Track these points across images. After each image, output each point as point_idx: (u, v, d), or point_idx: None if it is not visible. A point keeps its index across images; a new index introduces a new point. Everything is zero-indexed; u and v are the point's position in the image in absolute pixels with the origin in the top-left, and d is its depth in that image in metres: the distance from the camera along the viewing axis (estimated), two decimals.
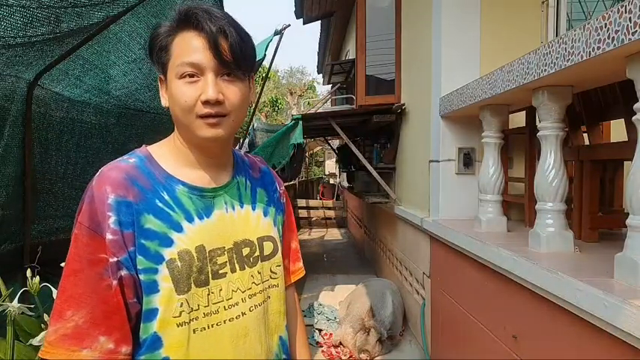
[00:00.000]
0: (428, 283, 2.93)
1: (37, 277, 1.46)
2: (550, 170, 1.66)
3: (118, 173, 0.73)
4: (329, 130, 4.66)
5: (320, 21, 7.68)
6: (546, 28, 2.77)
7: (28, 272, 1.46)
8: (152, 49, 0.77)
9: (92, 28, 1.86)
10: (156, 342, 0.71)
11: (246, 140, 6.26)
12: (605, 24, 1.17)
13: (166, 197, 0.75)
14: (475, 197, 2.48)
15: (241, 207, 0.85)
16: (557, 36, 2.67)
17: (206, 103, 0.72)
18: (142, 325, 0.71)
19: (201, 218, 0.77)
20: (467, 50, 2.62)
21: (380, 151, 4.54)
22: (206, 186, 0.80)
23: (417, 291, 3.28)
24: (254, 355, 0.81)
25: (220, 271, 0.77)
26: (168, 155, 0.80)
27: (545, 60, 1.47)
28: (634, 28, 1.06)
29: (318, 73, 12.29)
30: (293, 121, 3.50)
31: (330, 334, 3.48)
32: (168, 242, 0.72)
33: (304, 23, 7.35)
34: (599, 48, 1.20)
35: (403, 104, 3.68)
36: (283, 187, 1.00)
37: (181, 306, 0.72)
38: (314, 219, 10.39)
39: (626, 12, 1.09)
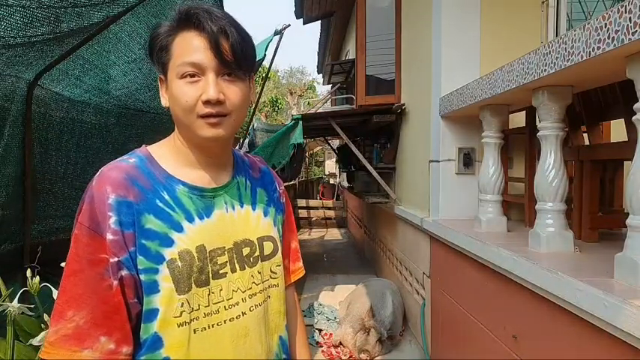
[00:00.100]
0: (428, 283, 2.93)
1: (37, 277, 1.45)
2: (550, 170, 1.66)
3: (119, 173, 0.72)
4: (329, 130, 4.66)
5: (320, 21, 7.68)
6: (546, 28, 2.77)
7: (28, 272, 1.46)
8: (152, 49, 0.77)
9: (92, 28, 1.86)
10: (156, 342, 0.71)
11: (246, 140, 6.26)
12: (605, 24, 1.17)
13: (167, 197, 0.75)
14: (475, 197, 2.48)
15: (241, 207, 0.85)
16: (557, 36, 2.67)
17: (207, 102, 0.72)
18: (142, 325, 0.71)
19: (201, 218, 0.77)
20: (467, 50, 2.62)
21: (380, 151, 4.54)
22: (206, 186, 0.80)
23: (417, 291, 3.28)
24: (254, 355, 0.81)
25: (221, 271, 0.77)
26: (168, 155, 0.80)
27: (545, 60, 1.47)
28: (634, 28, 1.06)
29: (318, 73, 12.29)
30: (293, 121, 3.50)
31: (330, 334, 3.48)
32: (169, 242, 0.72)
33: (304, 23, 7.35)
34: (599, 48, 1.20)
35: (403, 104, 3.68)
36: (283, 187, 1.00)
37: (182, 306, 0.72)
38: (314, 219, 10.39)
39: (626, 12, 1.09)
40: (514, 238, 1.98)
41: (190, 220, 0.76)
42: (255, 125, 7.39)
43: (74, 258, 0.69)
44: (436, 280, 2.77)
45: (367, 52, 4.17)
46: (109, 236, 0.68)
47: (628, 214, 1.23)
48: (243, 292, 0.80)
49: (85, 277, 0.68)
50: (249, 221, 0.85)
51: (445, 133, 2.69)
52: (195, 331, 0.73)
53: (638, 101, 1.20)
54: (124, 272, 0.69)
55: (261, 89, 5.45)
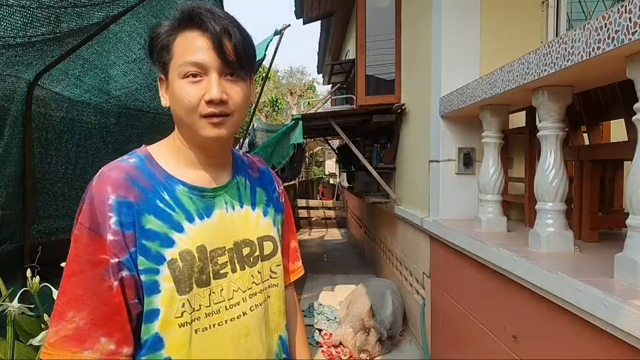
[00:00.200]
0: (428, 283, 2.93)
1: (37, 277, 1.45)
2: (550, 170, 1.66)
3: (119, 173, 0.72)
4: (329, 130, 4.66)
5: (320, 21, 7.68)
6: (546, 28, 2.77)
7: (28, 272, 1.46)
8: (153, 48, 0.77)
9: (92, 28, 1.86)
10: (157, 343, 0.71)
11: (246, 140, 6.26)
12: (605, 24, 1.17)
13: (167, 197, 0.75)
14: (475, 197, 2.48)
15: (241, 207, 0.85)
16: (557, 36, 2.67)
17: (210, 102, 0.72)
18: (143, 325, 0.71)
19: (201, 218, 0.77)
20: (467, 50, 2.62)
21: (380, 151, 4.54)
22: (206, 186, 0.80)
23: (417, 291, 3.28)
24: (255, 354, 0.81)
25: (221, 271, 0.77)
26: (167, 155, 0.80)
27: (545, 60, 1.47)
28: (634, 28, 1.06)
29: (318, 73, 12.29)
30: (293, 121, 3.50)
31: (330, 334, 3.48)
32: (170, 242, 0.72)
33: (304, 23, 7.35)
34: (599, 48, 1.20)
35: (403, 104, 3.68)
36: (282, 187, 1.00)
37: (183, 306, 0.72)
38: (314, 219, 10.39)
39: (626, 12, 1.09)
40: (514, 238, 1.98)
41: (190, 220, 0.76)
42: (255, 125, 7.39)
43: (74, 259, 0.69)
44: (436, 280, 2.77)
45: (367, 52, 4.17)
46: (110, 237, 0.68)
47: (628, 214, 1.23)
48: (244, 292, 0.81)
49: (85, 278, 0.68)
50: (249, 221, 0.85)
51: (445, 133, 2.69)
52: (196, 332, 0.73)
53: (638, 101, 1.20)
54: (125, 273, 0.69)
55: (261, 89, 5.45)
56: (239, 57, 0.73)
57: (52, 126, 2.35)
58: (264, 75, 7.35)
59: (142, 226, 0.71)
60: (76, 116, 2.48)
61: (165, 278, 0.71)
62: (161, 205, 0.74)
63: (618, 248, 1.28)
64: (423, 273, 3.04)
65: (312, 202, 10.87)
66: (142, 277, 0.70)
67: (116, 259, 0.68)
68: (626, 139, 1.85)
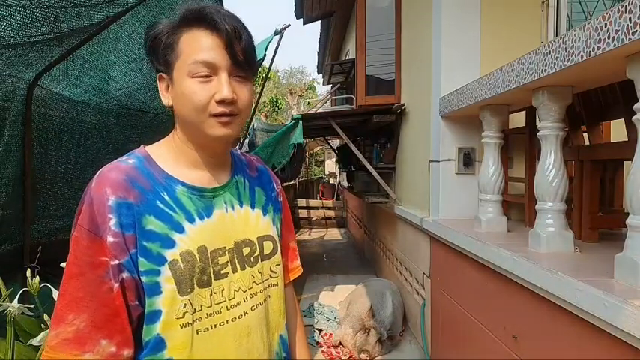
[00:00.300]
0: (428, 283, 2.93)
1: (37, 277, 1.45)
2: (550, 170, 1.66)
3: (118, 174, 0.72)
4: (329, 130, 4.66)
5: (320, 21, 7.68)
6: (546, 28, 2.77)
7: (28, 272, 1.46)
8: (155, 46, 0.76)
9: (92, 28, 1.86)
10: (159, 343, 0.71)
11: (246, 140, 6.26)
12: (605, 24, 1.17)
13: (167, 198, 0.74)
14: (475, 197, 2.48)
15: (240, 207, 0.85)
16: (557, 36, 2.67)
17: (221, 102, 0.73)
18: (144, 326, 0.71)
19: (201, 218, 0.77)
20: (467, 50, 2.62)
21: (380, 151, 4.54)
22: (205, 186, 0.80)
23: (417, 291, 3.28)
24: (256, 354, 0.81)
25: (222, 271, 0.77)
26: (167, 155, 0.79)
27: (545, 60, 1.47)
28: (634, 28, 1.06)
29: (318, 73, 12.29)
30: (293, 121, 3.50)
31: (330, 334, 3.48)
32: (170, 243, 0.72)
33: (304, 23, 7.35)
34: (599, 48, 1.20)
35: (403, 104, 3.68)
36: (280, 186, 1.00)
37: (184, 307, 0.72)
38: (314, 219, 10.39)
39: (626, 12, 1.09)
40: (514, 238, 1.98)
41: (191, 220, 0.75)
42: (255, 125, 7.38)
43: (74, 261, 0.69)
44: (436, 280, 2.77)
45: (367, 52, 4.17)
46: (110, 238, 0.68)
47: (628, 214, 1.23)
48: (245, 292, 0.81)
49: (85, 280, 0.68)
50: (249, 221, 0.85)
51: (445, 133, 2.69)
52: (197, 332, 0.73)
53: (638, 101, 1.20)
54: (125, 275, 0.69)
55: (261, 89, 5.44)
56: (247, 58, 0.75)
57: (52, 126, 2.35)
58: (264, 75, 7.35)
59: (142, 227, 0.70)
60: (76, 116, 2.48)
61: (166, 279, 0.71)
62: (161, 205, 0.73)
63: (618, 248, 1.28)
64: (423, 273, 3.04)
65: (312, 202, 10.86)
66: (143, 279, 0.70)
67: (116, 261, 0.68)
68: (626, 139, 1.85)
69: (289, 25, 3.40)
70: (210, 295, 0.75)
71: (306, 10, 6.71)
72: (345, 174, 7.74)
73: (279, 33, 3.39)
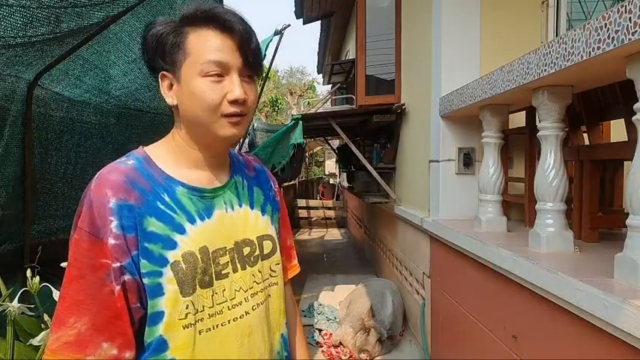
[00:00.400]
0: (428, 283, 2.93)
1: (37, 277, 1.45)
2: (550, 170, 1.66)
3: (118, 176, 0.71)
4: (329, 130, 4.66)
5: (320, 21, 7.69)
6: (546, 28, 2.77)
7: (28, 272, 1.46)
8: (160, 44, 0.75)
9: (92, 28, 1.86)
10: (162, 345, 0.71)
11: (246, 140, 6.25)
12: (605, 24, 1.17)
13: (167, 199, 0.74)
14: (475, 197, 2.48)
15: (240, 206, 0.85)
16: (557, 36, 2.67)
17: (234, 102, 0.73)
18: (147, 328, 0.71)
19: (202, 219, 0.77)
20: (467, 50, 2.62)
21: (380, 151, 4.54)
22: (205, 186, 0.80)
23: (417, 291, 3.28)
24: (257, 353, 0.81)
25: (223, 272, 0.77)
26: (166, 156, 0.79)
27: (545, 60, 1.47)
28: (634, 28, 1.06)
29: (318, 73, 12.29)
30: (293, 121, 3.50)
31: (330, 334, 3.48)
32: (172, 245, 0.72)
33: (304, 23, 7.35)
34: (599, 48, 1.20)
35: (403, 104, 3.68)
36: (277, 186, 1.00)
37: (187, 308, 0.72)
38: (314, 219, 10.39)
39: (626, 12, 1.09)
40: (514, 238, 1.98)
41: (192, 221, 0.75)
42: (255, 125, 7.38)
43: (74, 264, 0.68)
44: (436, 280, 2.77)
45: (367, 52, 4.17)
46: (111, 241, 0.67)
47: (628, 214, 1.23)
48: (245, 292, 0.81)
49: (86, 283, 0.67)
50: (249, 220, 0.86)
51: (445, 133, 2.69)
52: (200, 333, 0.73)
53: (638, 101, 1.20)
54: (127, 277, 0.68)
55: (261, 89, 5.44)
56: (257, 59, 0.76)
57: (52, 126, 2.35)
58: (264, 75, 7.36)
59: (143, 229, 0.70)
60: (76, 116, 2.48)
61: (168, 280, 0.70)
62: (162, 207, 0.73)
63: (618, 248, 1.28)
64: (423, 273, 3.04)
65: (312, 202, 10.86)
66: (145, 280, 0.69)
67: (118, 263, 0.67)
68: (626, 139, 1.85)
69: (289, 25, 3.40)
70: (212, 295, 0.75)
71: (306, 10, 6.71)
72: (345, 174, 7.74)
73: (279, 33, 3.39)
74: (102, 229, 0.67)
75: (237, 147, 4.94)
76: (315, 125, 4.43)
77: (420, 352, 3.13)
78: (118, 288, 0.67)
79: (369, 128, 4.53)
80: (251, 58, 0.75)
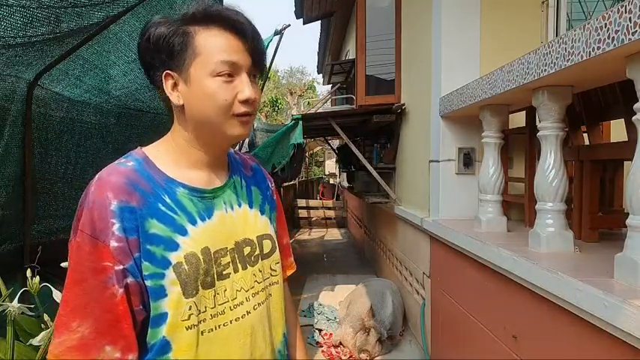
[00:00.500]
0: (428, 283, 2.93)
1: (37, 277, 1.45)
2: (550, 170, 1.66)
3: (119, 178, 0.71)
4: (329, 130, 4.66)
5: (320, 21, 7.68)
6: (546, 28, 2.77)
7: (28, 272, 1.46)
8: (167, 43, 0.74)
9: (92, 28, 1.86)
10: (165, 346, 0.71)
11: (246, 140, 6.25)
12: (605, 24, 1.17)
13: (168, 200, 0.74)
14: (475, 197, 2.48)
15: (239, 206, 0.85)
16: (557, 36, 2.67)
17: (245, 102, 0.74)
18: (149, 330, 0.70)
19: (203, 220, 0.77)
20: (467, 50, 2.62)
21: (380, 151, 4.54)
22: (205, 187, 0.80)
23: (417, 291, 3.28)
24: (259, 353, 0.81)
25: (224, 272, 0.78)
26: (165, 156, 0.79)
27: (545, 60, 1.47)
28: (634, 28, 1.06)
29: (318, 73, 12.29)
30: (293, 121, 3.50)
31: (330, 334, 3.48)
32: (174, 246, 0.72)
33: (304, 23, 7.35)
34: (599, 48, 1.20)
35: (403, 104, 3.68)
36: (274, 184, 1.00)
37: (190, 309, 0.71)
38: (314, 219, 10.39)
39: (626, 12, 1.09)
40: (514, 238, 1.98)
41: (193, 222, 0.75)
42: (255, 125, 7.37)
43: (75, 267, 0.68)
44: (436, 280, 2.77)
45: (367, 52, 4.17)
46: (113, 243, 0.67)
47: (628, 214, 1.23)
48: (247, 292, 0.81)
49: (88, 286, 0.67)
50: (248, 220, 0.86)
51: (445, 133, 2.69)
52: (202, 333, 0.73)
53: (638, 101, 1.20)
54: (130, 279, 0.68)
55: (262, 89, 5.45)
56: (264, 59, 0.78)
57: (52, 126, 2.35)
58: (264, 75, 7.35)
59: (145, 231, 0.70)
60: (76, 116, 2.48)
61: (171, 282, 0.70)
62: (163, 208, 0.73)
63: (618, 248, 1.28)
64: (423, 273, 3.04)
65: (312, 202, 10.86)
66: (148, 283, 0.69)
67: (120, 266, 0.67)
68: (626, 139, 1.85)
69: (289, 25, 3.41)
70: (214, 296, 0.75)
71: (306, 10, 6.71)
72: (345, 174, 7.74)
73: (279, 33, 3.39)
74: (103, 231, 0.67)
75: (237, 147, 4.94)
76: (315, 125, 4.43)
77: (420, 352, 3.13)
78: (120, 291, 0.67)
79: (369, 128, 4.53)
80: (258, 59, 0.77)
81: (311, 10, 6.74)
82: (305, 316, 3.86)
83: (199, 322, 0.73)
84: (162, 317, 0.70)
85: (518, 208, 2.59)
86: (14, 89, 2.04)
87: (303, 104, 14.14)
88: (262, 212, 0.90)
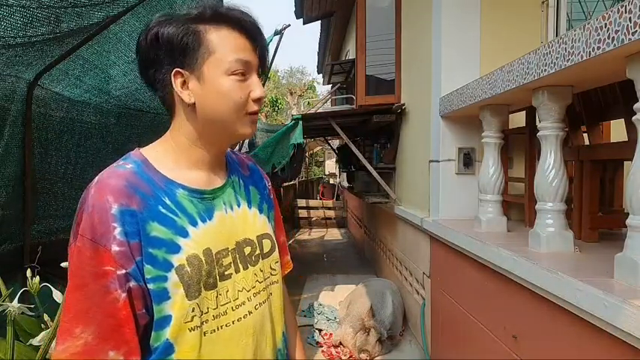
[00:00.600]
0: (428, 283, 2.93)
1: (37, 277, 1.45)
2: (550, 170, 1.66)
3: (119, 181, 0.70)
4: (329, 130, 4.66)
5: (320, 21, 7.69)
6: (546, 28, 2.77)
7: (28, 272, 1.46)
8: (179, 42, 0.73)
9: (92, 28, 1.86)
10: (168, 348, 0.70)
11: (246, 140, 6.26)
12: (605, 24, 1.17)
13: (168, 202, 0.73)
14: (475, 197, 2.48)
15: (238, 206, 0.85)
16: (557, 36, 2.67)
17: (257, 100, 0.76)
18: (153, 333, 0.70)
19: (204, 221, 0.76)
20: (467, 50, 2.62)
21: (380, 151, 4.54)
22: (205, 188, 0.79)
23: (417, 291, 3.28)
24: (261, 352, 0.81)
25: (226, 273, 0.77)
26: (164, 157, 0.78)
27: (545, 60, 1.47)
28: (634, 28, 1.06)
29: (318, 73, 12.29)
30: (293, 121, 3.50)
31: (330, 334, 3.48)
32: (176, 248, 0.71)
33: (304, 23, 7.35)
34: (599, 48, 1.20)
35: (403, 104, 3.68)
36: (270, 183, 1.00)
37: (193, 311, 0.71)
38: (314, 219, 10.39)
39: (626, 12, 1.09)
40: (514, 238, 1.98)
41: (194, 224, 0.75)
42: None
43: (76, 272, 0.67)
44: (436, 280, 2.77)
45: (367, 52, 4.17)
46: (115, 247, 0.66)
47: (628, 214, 1.23)
48: (248, 292, 0.81)
49: (89, 292, 0.66)
50: (248, 220, 0.86)
51: (445, 133, 2.69)
52: (205, 334, 0.73)
53: (638, 101, 1.20)
54: (132, 284, 0.67)
55: None
56: (267, 59, 0.81)
57: (52, 126, 2.35)
58: (265, 74, 7.35)
59: (146, 234, 0.69)
60: (76, 116, 2.48)
61: (174, 284, 0.70)
62: (164, 210, 0.72)
63: (618, 248, 1.28)
64: (423, 273, 3.04)
65: (312, 202, 10.86)
66: (150, 286, 0.68)
67: (123, 271, 0.66)
68: (626, 139, 1.85)
69: (289, 25, 3.41)
70: (216, 297, 0.75)
71: (306, 10, 6.71)
72: (345, 174, 7.74)
73: (279, 33, 3.39)
74: (104, 236, 0.66)
75: (236, 147, 4.94)
76: (315, 125, 4.43)
77: (420, 352, 3.13)
78: (123, 295, 0.66)
79: (369, 128, 4.53)
80: (264, 58, 0.79)
81: (311, 10, 6.74)
82: (305, 316, 3.86)
83: (202, 323, 0.73)
84: (165, 320, 0.70)
85: (518, 208, 2.59)
86: (14, 89, 2.04)
87: (303, 104, 14.15)
88: (261, 211, 0.90)
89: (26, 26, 1.58)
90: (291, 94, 21.79)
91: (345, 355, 3.16)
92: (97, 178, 0.71)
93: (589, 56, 1.24)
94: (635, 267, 1.17)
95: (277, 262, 0.91)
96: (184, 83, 0.75)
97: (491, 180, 2.17)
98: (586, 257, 1.59)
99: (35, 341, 1.27)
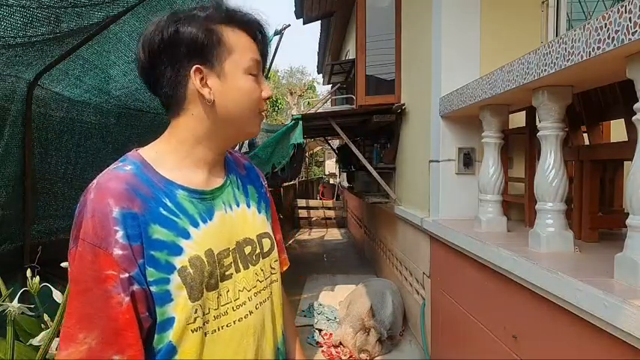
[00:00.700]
0: (428, 283, 2.93)
1: (37, 277, 1.45)
2: (550, 170, 1.66)
3: (119, 184, 0.69)
4: (329, 130, 4.66)
5: (320, 21, 7.69)
6: (546, 28, 2.77)
7: (28, 272, 1.46)
8: (201, 40, 0.73)
9: (92, 28, 1.86)
10: (171, 350, 0.70)
11: (246, 140, 6.26)
12: (605, 24, 1.17)
13: (169, 204, 0.73)
14: (475, 197, 2.48)
15: (238, 206, 0.85)
16: (557, 36, 2.67)
17: (266, 100, 0.80)
18: (156, 335, 0.70)
19: (204, 222, 0.76)
20: (467, 50, 2.62)
21: (380, 151, 4.54)
22: (204, 188, 0.79)
23: (417, 291, 3.28)
24: (261, 351, 0.82)
25: (227, 273, 0.77)
26: (164, 157, 0.77)
27: (545, 60, 1.47)
28: (634, 28, 1.06)
29: (318, 73, 12.29)
30: (293, 121, 3.50)
31: (330, 334, 3.48)
32: (178, 250, 0.71)
33: (304, 23, 7.35)
34: (599, 48, 1.20)
35: (403, 104, 3.68)
36: (266, 182, 1.01)
37: (196, 312, 0.71)
38: (314, 219, 10.39)
39: (626, 12, 1.09)
40: (514, 238, 1.98)
41: (195, 225, 0.74)
42: None
43: (78, 277, 0.66)
44: (436, 280, 2.77)
45: (367, 52, 4.17)
46: (117, 251, 0.66)
47: (628, 214, 1.23)
48: (249, 291, 0.81)
49: (92, 296, 0.65)
50: (247, 219, 0.86)
51: (445, 133, 2.69)
52: (206, 334, 0.73)
53: (638, 101, 1.20)
54: (135, 287, 0.67)
55: None
56: (267, 61, 0.84)
57: (52, 126, 2.35)
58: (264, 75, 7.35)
59: (148, 237, 0.68)
60: (76, 116, 2.48)
61: (177, 286, 0.69)
62: (165, 212, 0.72)
63: (618, 248, 1.28)
64: (423, 273, 3.04)
65: (312, 202, 10.86)
66: (153, 288, 0.68)
67: (126, 274, 0.66)
68: (626, 139, 1.85)
69: (289, 25, 3.41)
70: (217, 297, 0.75)
71: (306, 10, 6.71)
72: (345, 174, 7.74)
73: (279, 33, 3.39)
74: (106, 239, 0.66)
75: (236, 146, 4.94)
76: (315, 125, 4.43)
77: (420, 352, 3.13)
78: (127, 299, 0.66)
79: (369, 128, 4.53)
80: (265, 60, 0.82)
81: (311, 10, 6.74)
82: (305, 316, 3.86)
83: (204, 323, 0.73)
84: (168, 322, 0.69)
85: (518, 208, 2.59)
86: (14, 89, 2.04)
87: (303, 104, 14.15)
88: (259, 211, 0.90)
89: (26, 26, 1.58)
90: (291, 94, 21.80)
91: (345, 355, 3.16)
92: (95, 181, 0.70)
93: (589, 56, 1.24)
94: (635, 267, 1.17)
95: (276, 260, 0.91)
96: (202, 80, 0.75)
97: (491, 180, 2.17)
98: (586, 257, 1.59)
99: (35, 341, 1.27)
